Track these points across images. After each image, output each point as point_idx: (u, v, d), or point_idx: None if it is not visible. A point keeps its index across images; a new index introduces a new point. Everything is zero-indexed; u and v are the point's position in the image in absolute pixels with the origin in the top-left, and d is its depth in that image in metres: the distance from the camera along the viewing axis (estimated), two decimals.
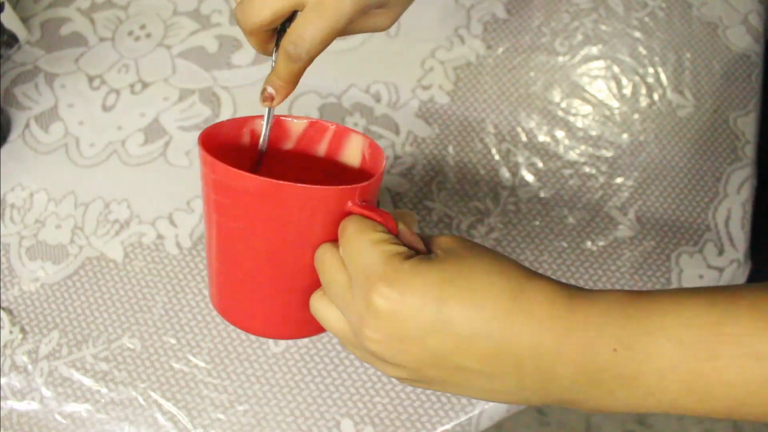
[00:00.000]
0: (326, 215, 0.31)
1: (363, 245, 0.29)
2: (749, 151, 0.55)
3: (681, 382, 0.26)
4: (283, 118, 0.37)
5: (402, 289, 0.28)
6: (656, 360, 0.26)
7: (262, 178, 0.29)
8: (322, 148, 0.38)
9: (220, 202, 0.32)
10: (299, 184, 0.29)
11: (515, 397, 0.29)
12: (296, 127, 0.37)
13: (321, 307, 0.32)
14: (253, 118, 0.37)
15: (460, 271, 0.28)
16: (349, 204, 0.31)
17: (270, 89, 0.35)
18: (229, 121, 0.36)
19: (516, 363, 0.27)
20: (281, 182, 0.29)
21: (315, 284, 0.33)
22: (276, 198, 0.30)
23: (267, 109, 0.36)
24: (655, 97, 0.57)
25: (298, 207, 0.30)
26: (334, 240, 0.32)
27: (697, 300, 0.27)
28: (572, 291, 0.28)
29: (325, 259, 0.31)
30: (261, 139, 0.36)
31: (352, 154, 0.37)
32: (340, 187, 0.30)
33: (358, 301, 0.29)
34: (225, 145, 0.35)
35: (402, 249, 0.29)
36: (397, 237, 0.30)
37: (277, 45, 0.36)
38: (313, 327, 0.35)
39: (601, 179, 0.54)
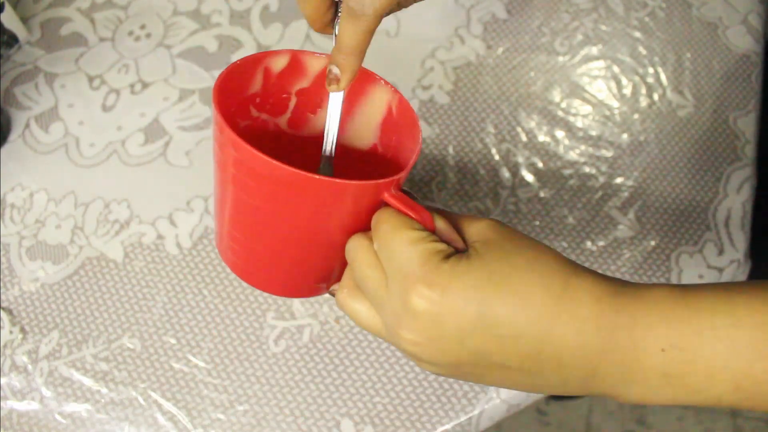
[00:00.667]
0: (360, 206, 0.30)
1: (400, 244, 0.28)
2: (749, 151, 0.55)
3: (729, 382, 0.26)
4: (301, 52, 0.34)
5: (442, 290, 0.27)
6: (705, 360, 0.26)
7: (292, 169, 0.27)
8: None
9: (241, 180, 0.30)
10: (334, 179, 0.28)
11: (555, 390, 0.29)
12: (315, 63, 0.34)
13: (350, 302, 0.31)
14: (267, 54, 0.34)
15: (501, 269, 0.27)
16: (385, 195, 0.30)
17: (335, 70, 0.31)
18: (241, 62, 0.33)
19: (558, 362, 0.27)
20: (315, 176, 0.27)
21: (339, 263, 0.32)
22: (307, 189, 0.28)
23: (332, 95, 0.32)
24: (655, 97, 0.57)
25: (330, 199, 0.29)
26: (367, 230, 0.31)
27: (748, 298, 0.26)
28: (617, 287, 0.27)
29: (359, 255, 0.30)
30: (328, 141, 0.34)
31: (375, 104, 0.35)
32: (376, 181, 0.29)
33: (394, 301, 0.28)
34: (237, 91, 0.33)
35: (441, 247, 0.28)
36: (434, 233, 0.29)
37: (335, 17, 0.32)
38: (326, 287, 0.35)
39: (601, 179, 0.54)
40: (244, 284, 0.50)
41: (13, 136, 0.57)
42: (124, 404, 0.47)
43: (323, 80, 0.35)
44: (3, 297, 0.51)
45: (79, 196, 0.54)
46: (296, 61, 0.34)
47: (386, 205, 0.30)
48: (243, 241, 0.33)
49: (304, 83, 0.35)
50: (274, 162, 0.27)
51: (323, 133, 0.36)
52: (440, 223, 0.30)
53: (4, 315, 0.50)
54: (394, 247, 0.28)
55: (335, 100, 0.33)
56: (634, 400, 0.27)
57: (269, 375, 0.48)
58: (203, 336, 0.49)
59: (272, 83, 0.35)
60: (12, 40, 0.61)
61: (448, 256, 0.28)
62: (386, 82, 0.34)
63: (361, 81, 0.34)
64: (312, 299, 0.49)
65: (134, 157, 0.56)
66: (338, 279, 0.34)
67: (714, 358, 0.25)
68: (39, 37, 0.62)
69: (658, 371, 0.26)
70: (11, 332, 0.50)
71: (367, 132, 0.36)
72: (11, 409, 0.48)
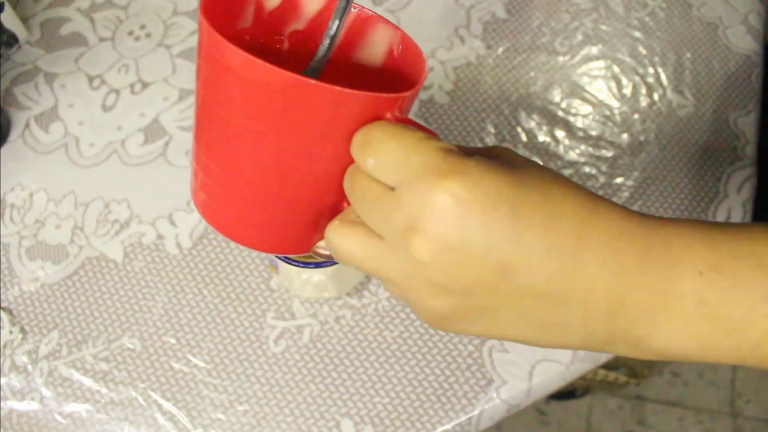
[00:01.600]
0: (358, 126, 0.26)
1: (412, 141, 0.25)
2: (749, 151, 0.55)
3: None
4: None
5: (472, 185, 0.23)
6: (747, 288, 0.23)
7: (290, 73, 0.24)
8: None
9: (227, 94, 0.26)
10: (338, 87, 0.24)
11: (574, 333, 0.25)
12: (311, 4, 0.32)
13: (342, 230, 0.27)
14: None
15: (529, 177, 0.24)
16: (388, 116, 0.26)
17: None
18: None
19: (588, 285, 0.24)
20: (315, 82, 0.24)
21: (328, 203, 0.29)
22: (304, 99, 0.25)
23: None
24: (655, 97, 0.57)
25: (329, 113, 0.25)
26: None
27: None
28: (643, 214, 0.25)
29: (359, 171, 0.26)
30: (328, 39, 0.29)
31: (375, 46, 0.32)
32: (379, 94, 0.26)
33: (407, 206, 0.24)
34: (225, 22, 0.30)
35: (456, 148, 0.25)
36: None
37: None
38: (310, 245, 0.31)
39: (601, 179, 0.54)
40: (245, 284, 0.50)
41: (13, 136, 0.57)
42: (124, 404, 0.47)
43: (319, 23, 0.32)
44: (3, 297, 0.51)
45: (79, 196, 0.54)
46: (291, 0, 0.31)
47: None
48: (221, 176, 0.29)
49: (299, 25, 0.32)
50: (265, 63, 0.24)
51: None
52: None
53: (4, 315, 0.50)
54: (406, 145, 0.25)
55: None
56: (661, 344, 0.24)
57: (269, 375, 0.48)
58: (203, 336, 0.49)
59: (264, 21, 0.32)
60: (12, 40, 0.61)
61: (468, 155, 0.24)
62: (386, 21, 0.31)
63: (357, 22, 0.31)
64: (312, 300, 0.49)
65: (134, 157, 0.56)
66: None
67: (756, 286, 0.23)
68: (39, 37, 0.62)
69: (694, 298, 0.23)
70: (11, 332, 0.50)
71: (368, 75, 0.33)
72: (11, 409, 0.48)
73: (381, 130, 0.25)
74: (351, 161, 0.27)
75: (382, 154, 0.25)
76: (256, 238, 0.31)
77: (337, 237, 0.27)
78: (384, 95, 0.26)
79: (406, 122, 0.26)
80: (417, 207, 0.24)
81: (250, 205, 0.29)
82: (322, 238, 0.30)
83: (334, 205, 0.29)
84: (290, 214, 0.29)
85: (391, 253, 0.25)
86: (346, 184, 0.27)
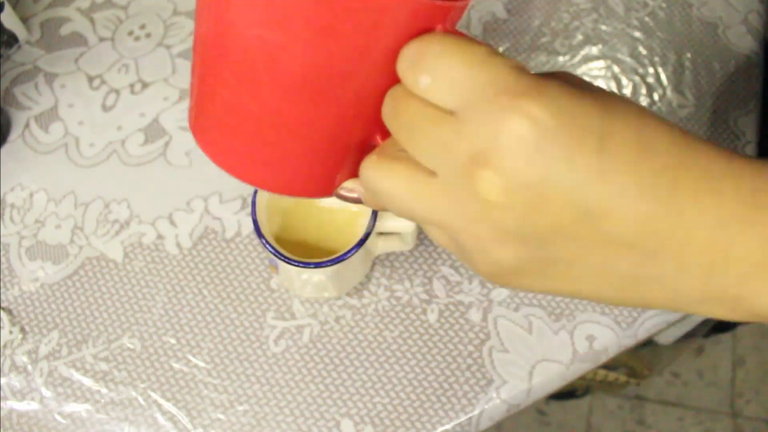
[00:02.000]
0: (402, 40, 0.22)
1: (479, 56, 0.20)
2: (750, 151, 0.55)
3: None
4: None
5: (557, 109, 0.19)
6: None
7: None
8: None
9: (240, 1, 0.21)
10: None
11: (662, 290, 0.21)
12: None
13: (380, 171, 0.23)
14: None
15: (616, 104, 0.20)
16: (439, 28, 0.22)
17: None
18: None
19: (685, 235, 0.20)
20: None
21: (358, 136, 0.25)
22: (342, 4, 0.20)
23: None
24: (655, 97, 0.57)
25: (371, 22, 0.21)
26: None
27: None
28: (745, 155, 0.22)
29: (407, 93, 0.22)
30: None
31: None
32: (440, 2, 0.21)
33: (473, 132, 0.20)
34: None
35: (526, 67, 0.21)
36: None
37: None
38: (333, 186, 0.27)
39: None
40: (244, 284, 0.50)
41: (13, 136, 0.57)
42: (124, 404, 0.47)
43: None
44: (3, 297, 0.51)
45: (79, 196, 0.54)
46: None
47: None
48: (229, 100, 0.24)
49: None
50: None
51: None
52: None
53: (4, 315, 0.50)
54: (470, 62, 0.20)
55: None
56: (758, 306, 0.21)
57: (269, 375, 0.48)
58: (203, 336, 0.49)
59: None
60: (12, 40, 0.61)
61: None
62: None
63: None
64: (312, 300, 0.49)
65: (134, 157, 0.56)
66: (351, 174, 0.26)
67: None
68: (39, 37, 0.62)
69: None
70: (11, 332, 0.50)
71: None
72: (11, 409, 0.48)
73: (439, 42, 0.21)
74: (389, 84, 0.23)
75: (442, 71, 0.21)
76: (269, 176, 0.26)
77: (378, 174, 0.23)
78: (439, 3, 0.21)
79: (462, 36, 0.22)
80: (487, 133, 0.20)
81: (264, 136, 0.24)
82: (346, 178, 0.26)
83: (366, 139, 0.25)
84: (312, 148, 0.25)
85: (447, 190, 0.21)
86: (387, 110, 0.23)
